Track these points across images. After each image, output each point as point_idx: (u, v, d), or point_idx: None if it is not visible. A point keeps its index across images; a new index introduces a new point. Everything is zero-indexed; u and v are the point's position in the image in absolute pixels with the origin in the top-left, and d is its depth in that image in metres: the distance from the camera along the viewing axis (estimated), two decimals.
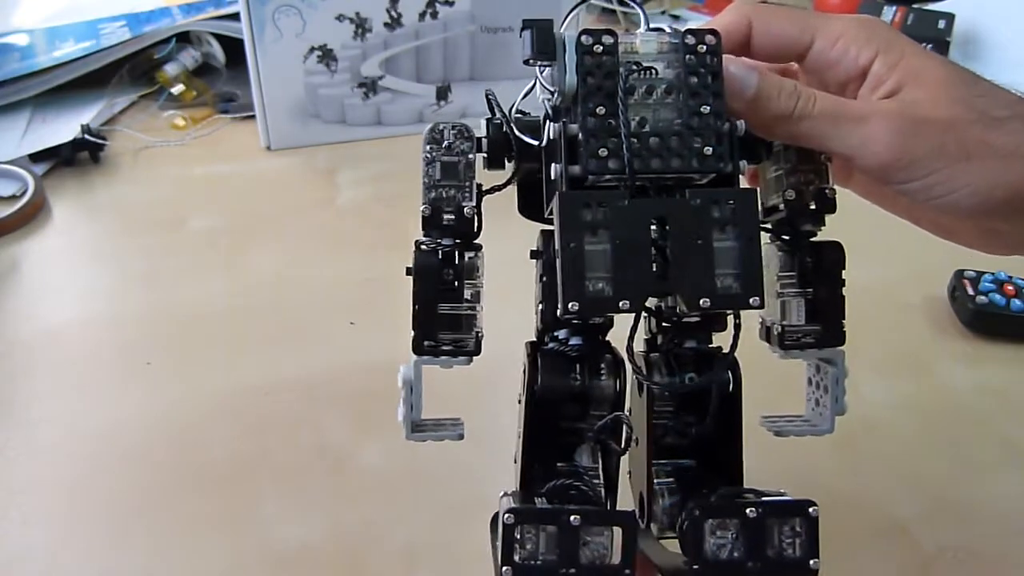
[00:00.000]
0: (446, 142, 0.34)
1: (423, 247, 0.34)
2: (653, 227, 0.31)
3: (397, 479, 0.48)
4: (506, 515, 0.31)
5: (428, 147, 0.34)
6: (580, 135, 0.31)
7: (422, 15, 0.81)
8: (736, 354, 0.35)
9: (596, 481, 0.36)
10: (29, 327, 0.61)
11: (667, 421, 0.36)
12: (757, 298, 0.31)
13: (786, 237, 0.36)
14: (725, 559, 0.31)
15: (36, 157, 0.80)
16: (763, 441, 0.38)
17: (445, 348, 0.35)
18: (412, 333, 0.34)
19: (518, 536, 0.31)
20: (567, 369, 0.36)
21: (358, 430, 0.52)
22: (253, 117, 0.84)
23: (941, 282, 0.62)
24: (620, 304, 0.31)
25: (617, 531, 0.31)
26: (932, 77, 0.33)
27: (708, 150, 0.31)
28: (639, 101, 0.31)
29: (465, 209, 0.34)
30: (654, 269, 0.31)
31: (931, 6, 1.02)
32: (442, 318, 0.34)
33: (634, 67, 0.31)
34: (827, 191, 0.35)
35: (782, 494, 0.33)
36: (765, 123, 0.33)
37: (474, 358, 0.35)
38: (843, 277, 0.36)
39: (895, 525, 0.45)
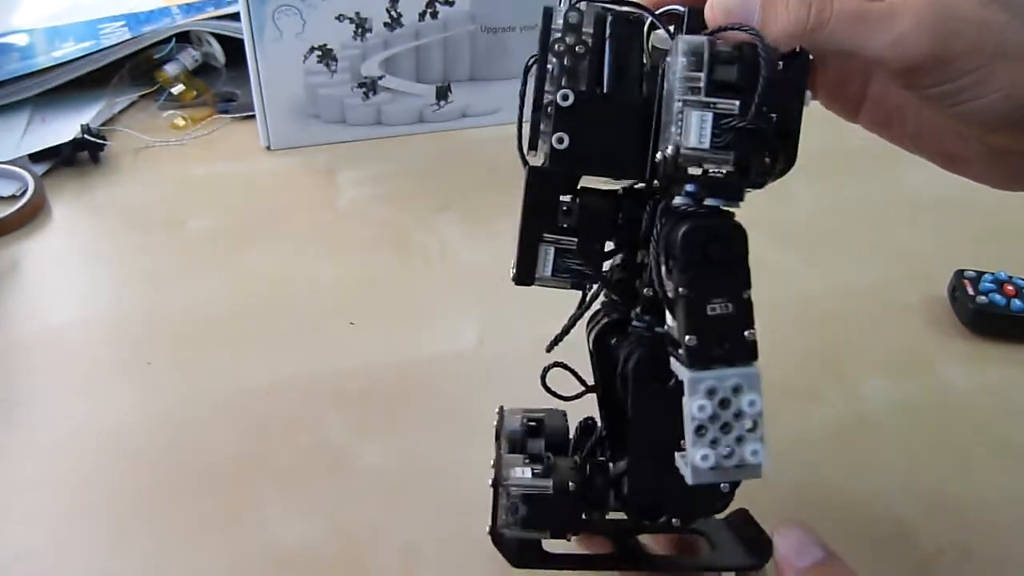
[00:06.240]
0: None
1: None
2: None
3: (397, 479, 0.48)
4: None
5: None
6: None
7: (422, 15, 0.81)
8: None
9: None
10: (29, 327, 0.61)
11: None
12: None
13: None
14: None
15: (36, 157, 0.80)
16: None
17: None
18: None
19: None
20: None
21: (358, 430, 0.52)
22: (253, 117, 0.84)
23: (941, 282, 0.61)
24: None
25: None
26: None
27: None
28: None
29: None
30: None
31: None
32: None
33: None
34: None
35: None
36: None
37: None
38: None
39: (895, 525, 0.45)
